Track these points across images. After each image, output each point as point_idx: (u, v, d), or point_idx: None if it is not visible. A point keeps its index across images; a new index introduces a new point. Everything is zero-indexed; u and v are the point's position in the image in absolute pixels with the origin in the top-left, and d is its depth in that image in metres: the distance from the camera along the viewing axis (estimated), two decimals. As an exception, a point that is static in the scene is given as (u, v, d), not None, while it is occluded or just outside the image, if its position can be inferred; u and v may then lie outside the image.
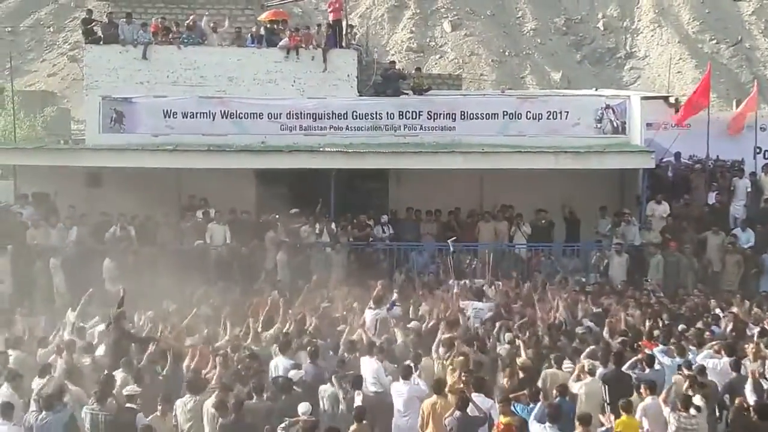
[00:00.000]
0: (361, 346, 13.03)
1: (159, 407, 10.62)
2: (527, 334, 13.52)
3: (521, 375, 11.82)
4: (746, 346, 12.84)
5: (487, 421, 10.56)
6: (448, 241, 18.87)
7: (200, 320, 14.51)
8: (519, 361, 12.21)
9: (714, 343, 13.17)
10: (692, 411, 10.55)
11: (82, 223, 19.74)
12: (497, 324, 14.27)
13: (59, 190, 20.91)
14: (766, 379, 11.80)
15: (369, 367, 12.13)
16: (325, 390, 11.67)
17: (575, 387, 11.45)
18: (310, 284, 17.11)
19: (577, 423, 10.16)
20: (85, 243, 19.21)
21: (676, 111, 21.64)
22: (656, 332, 13.80)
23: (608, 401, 11.33)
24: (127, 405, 10.61)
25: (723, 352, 12.57)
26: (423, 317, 14.84)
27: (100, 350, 13.10)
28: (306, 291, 16.46)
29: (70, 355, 12.29)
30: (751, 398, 11.10)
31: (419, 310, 15.39)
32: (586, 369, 11.70)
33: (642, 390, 11.09)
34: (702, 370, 11.75)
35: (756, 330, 14.12)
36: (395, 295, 15.61)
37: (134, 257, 18.52)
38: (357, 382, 11.50)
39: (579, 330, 13.93)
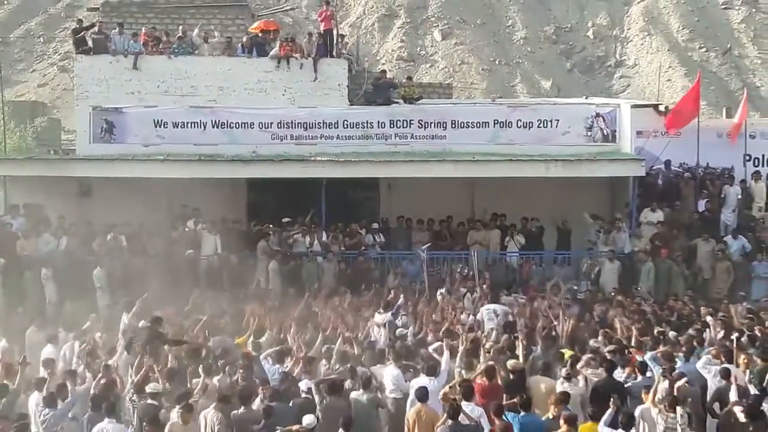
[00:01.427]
0: (369, 354, 13.06)
1: (179, 412, 10.62)
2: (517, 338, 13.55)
3: (511, 377, 11.84)
4: (738, 354, 12.82)
5: (478, 430, 10.54)
6: (422, 248, 18.83)
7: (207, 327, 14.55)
8: (510, 363, 12.16)
9: (712, 348, 13.11)
10: (679, 411, 10.64)
11: (72, 233, 19.68)
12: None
13: (49, 201, 20.79)
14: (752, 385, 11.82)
15: (388, 373, 12.13)
16: (357, 400, 11.55)
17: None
18: (307, 294, 17.06)
19: (562, 422, 10.27)
20: (74, 253, 19.15)
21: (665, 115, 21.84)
22: (646, 338, 13.81)
23: (590, 408, 11.33)
24: (149, 401, 11.11)
25: (722, 358, 12.53)
26: (407, 324, 14.86)
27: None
28: (305, 301, 16.40)
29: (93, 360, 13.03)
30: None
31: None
32: (564, 374, 11.77)
33: (643, 395, 11.18)
34: (682, 376, 11.76)
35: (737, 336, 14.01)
36: (400, 301, 15.62)
37: (125, 266, 18.47)
38: (333, 388, 11.36)
39: (592, 342, 13.88)
